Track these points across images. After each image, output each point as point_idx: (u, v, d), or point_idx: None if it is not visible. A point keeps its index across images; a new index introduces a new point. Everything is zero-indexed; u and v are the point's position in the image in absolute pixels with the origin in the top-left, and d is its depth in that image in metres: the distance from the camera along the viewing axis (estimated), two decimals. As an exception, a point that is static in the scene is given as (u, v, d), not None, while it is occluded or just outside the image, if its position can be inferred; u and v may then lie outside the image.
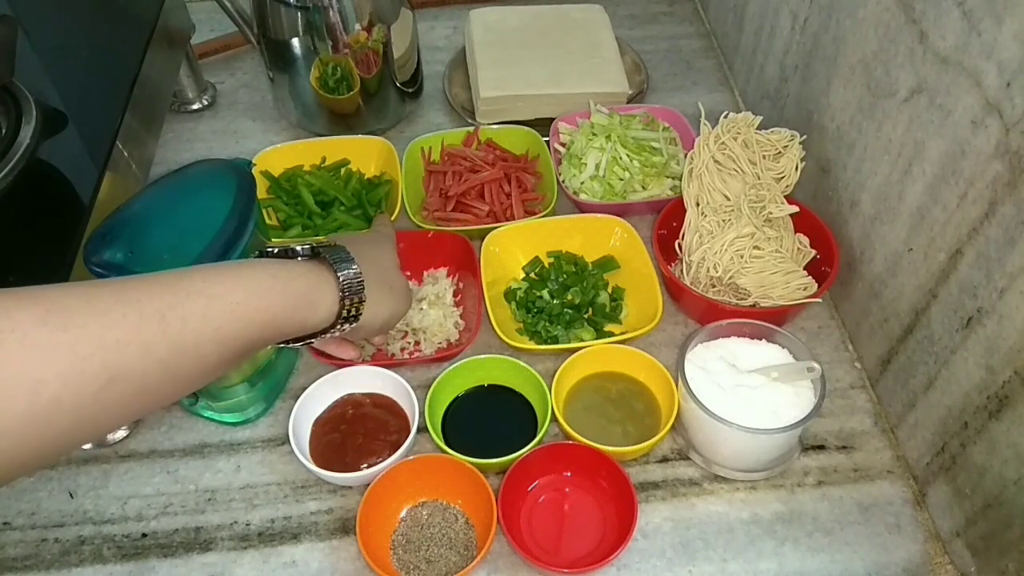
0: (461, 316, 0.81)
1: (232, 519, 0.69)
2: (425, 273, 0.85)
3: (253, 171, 0.66)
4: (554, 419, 0.71)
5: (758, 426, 0.66)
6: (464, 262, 0.83)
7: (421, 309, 0.80)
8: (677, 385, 0.71)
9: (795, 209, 0.81)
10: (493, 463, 0.68)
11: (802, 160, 0.83)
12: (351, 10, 0.87)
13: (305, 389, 0.72)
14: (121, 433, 0.74)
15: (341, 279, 0.57)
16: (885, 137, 0.71)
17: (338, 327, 0.58)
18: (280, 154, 0.92)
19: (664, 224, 0.83)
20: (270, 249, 0.60)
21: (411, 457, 0.68)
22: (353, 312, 0.58)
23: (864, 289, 0.77)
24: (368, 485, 0.66)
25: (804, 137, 0.83)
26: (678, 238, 0.83)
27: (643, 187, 0.90)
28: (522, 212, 0.89)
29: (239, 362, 0.51)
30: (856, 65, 0.75)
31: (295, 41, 0.89)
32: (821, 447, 0.74)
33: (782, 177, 0.83)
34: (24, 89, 0.70)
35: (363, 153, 0.94)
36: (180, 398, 0.49)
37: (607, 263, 0.85)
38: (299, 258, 0.58)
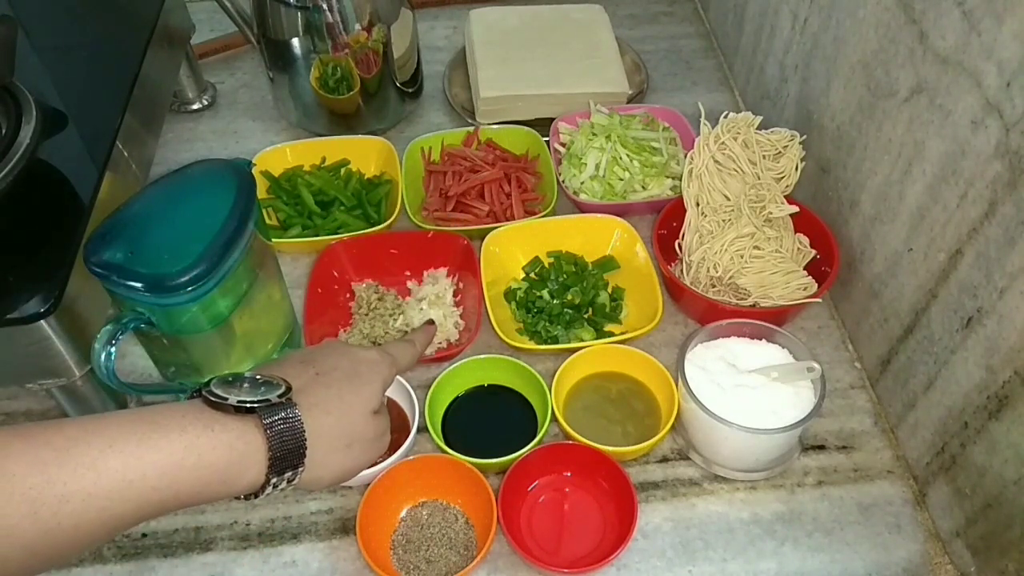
0: (461, 316, 0.81)
1: (232, 519, 0.69)
2: (425, 273, 0.85)
3: (253, 171, 0.66)
4: (554, 419, 0.71)
5: (758, 426, 0.66)
6: (464, 262, 0.83)
7: (421, 309, 0.80)
8: (677, 385, 0.71)
9: (795, 209, 0.81)
10: (493, 463, 0.68)
11: (802, 160, 0.83)
12: (351, 10, 0.87)
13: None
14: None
15: (272, 446, 0.48)
16: (885, 137, 0.71)
17: (262, 496, 0.50)
18: (280, 154, 0.92)
19: (664, 224, 0.83)
20: (208, 392, 0.49)
21: (411, 457, 0.68)
22: (283, 483, 0.50)
23: (864, 289, 0.77)
24: (368, 485, 0.66)
25: (804, 137, 0.83)
26: (678, 238, 0.83)
27: (643, 187, 0.90)
28: (522, 212, 0.89)
29: (120, 533, 0.45)
30: (856, 65, 0.75)
31: (295, 41, 0.89)
32: (821, 447, 0.74)
33: (782, 177, 0.83)
34: (24, 89, 0.70)
35: (363, 153, 0.94)
36: (60, 567, 0.45)
37: (607, 263, 0.85)
38: (232, 408, 0.48)
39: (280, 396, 0.49)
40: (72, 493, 0.41)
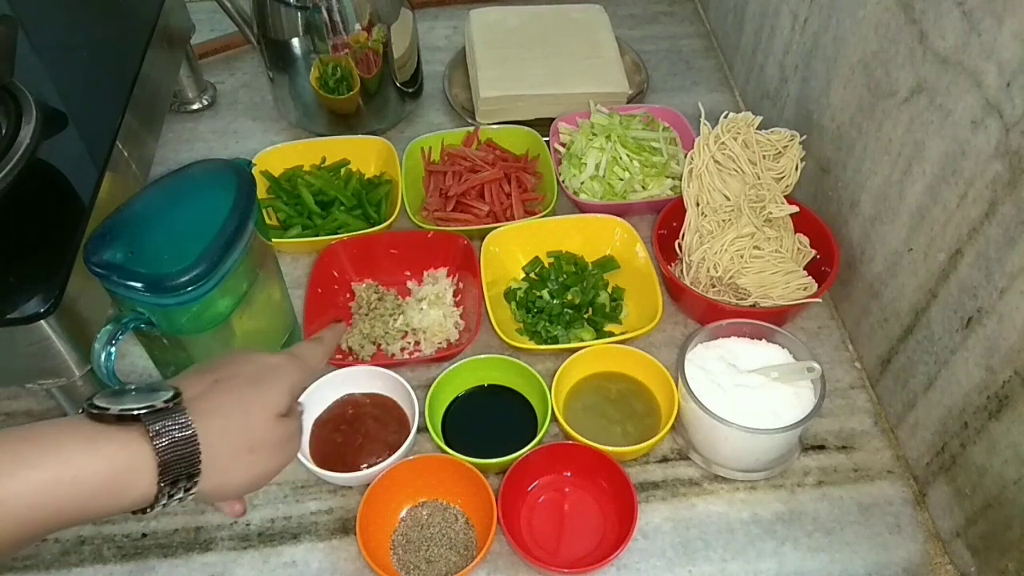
0: (461, 316, 0.81)
1: (232, 519, 0.69)
2: (425, 273, 0.85)
3: (253, 171, 0.66)
4: (554, 419, 0.71)
5: (758, 426, 0.66)
6: (464, 262, 0.83)
7: (421, 309, 0.80)
8: (677, 385, 0.71)
9: (795, 209, 0.81)
10: (493, 463, 0.68)
11: (802, 160, 0.83)
12: (351, 10, 0.87)
13: (305, 389, 0.72)
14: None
15: (159, 454, 0.46)
16: (885, 137, 0.71)
17: (160, 506, 0.47)
18: (280, 154, 0.92)
19: (664, 224, 0.83)
20: (90, 405, 0.47)
21: (411, 457, 0.68)
22: (180, 493, 0.48)
23: (864, 289, 0.77)
24: (368, 485, 0.66)
25: (804, 137, 0.83)
26: (678, 238, 0.83)
27: (643, 187, 0.90)
28: (522, 212, 0.89)
29: (11, 554, 0.44)
30: (856, 65, 0.75)
31: (295, 41, 0.89)
32: (821, 447, 0.74)
33: (782, 177, 0.83)
34: (24, 89, 0.70)
35: (363, 153, 0.94)
36: None
37: (607, 263, 0.85)
38: (114, 418, 0.46)
39: (167, 401, 0.48)
40: None
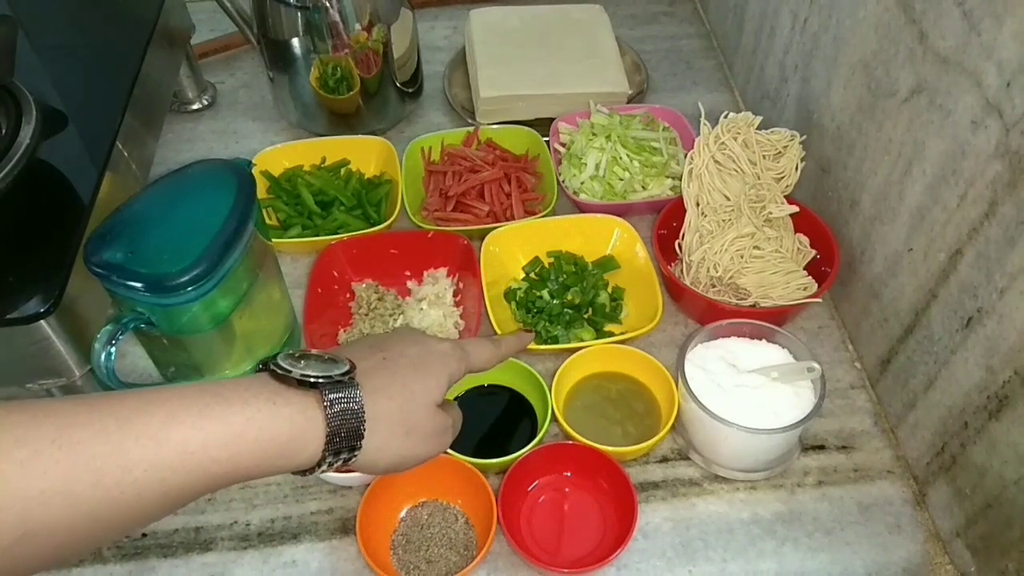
0: (461, 316, 0.81)
1: (232, 519, 0.69)
2: (425, 273, 0.85)
3: (253, 171, 0.66)
4: (554, 419, 0.71)
5: (758, 426, 0.66)
6: (464, 262, 0.83)
7: (421, 309, 0.80)
8: (677, 385, 0.71)
9: (795, 209, 0.81)
10: (493, 463, 0.68)
11: (802, 160, 0.83)
12: (351, 10, 0.87)
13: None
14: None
15: (329, 423, 0.47)
16: (885, 137, 0.71)
17: (317, 472, 0.49)
18: (280, 154, 0.92)
19: (664, 224, 0.83)
20: (274, 364, 0.49)
21: (411, 457, 0.68)
22: (339, 462, 0.49)
23: (864, 289, 0.77)
24: (368, 485, 0.66)
25: (804, 137, 0.83)
26: (678, 238, 0.83)
27: (643, 187, 0.90)
28: (522, 212, 0.89)
29: (189, 502, 0.45)
30: (856, 65, 0.75)
31: (295, 41, 0.89)
32: (821, 447, 0.74)
33: (782, 177, 0.83)
34: (24, 89, 0.70)
35: (363, 153, 0.94)
36: (108, 544, 0.45)
37: (607, 263, 0.85)
38: (296, 381, 0.48)
39: (343, 375, 0.49)
40: (134, 463, 0.40)
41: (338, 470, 0.50)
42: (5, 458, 0.37)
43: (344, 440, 0.48)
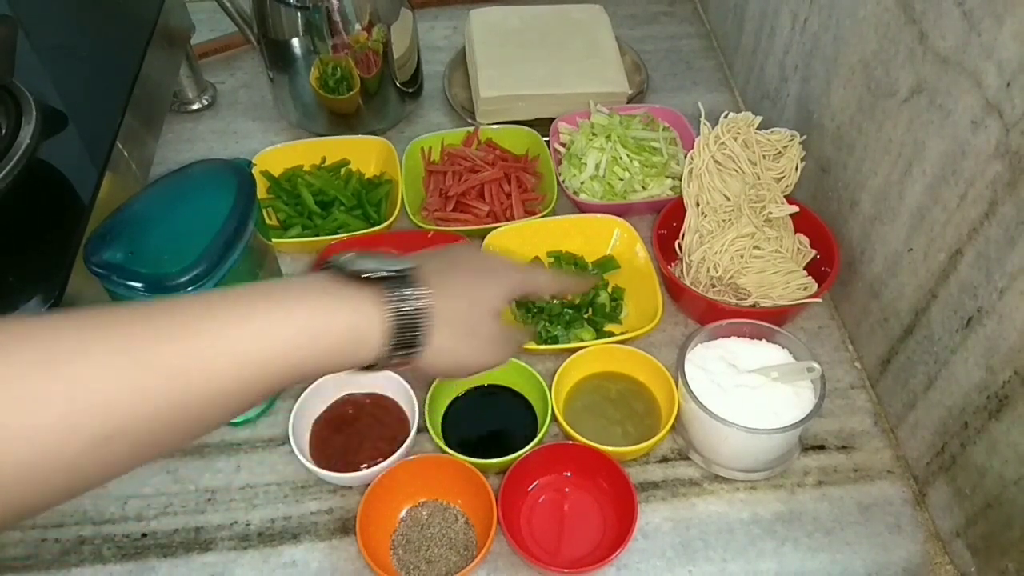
0: (461, 316, 0.81)
1: (232, 519, 0.69)
2: (425, 273, 0.85)
3: (253, 171, 0.66)
4: (554, 419, 0.71)
5: (758, 426, 0.66)
6: (464, 262, 0.83)
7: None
8: (677, 385, 0.71)
9: (795, 209, 0.81)
10: (493, 463, 0.68)
11: (802, 160, 0.83)
12: (351, 10, 0.87)
13: (305, 389, 0.72)
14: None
15: (392, 320, 0.47)
16: (885, 137, 0.71)
17: (376, 369, 0.49)
18: (280, 154, 0.92)
19: (664, 224, 0.83)
20: (337, 263, 0.49)
21: (411, 457, 0.68)
22: (399, 357, 0.49)
23: (864, 289, 0.77)
24: (368, 485, 0.66)
25: (804, 137, 0.83)
26: (678, 238, 0.83)
27: (643, 187, 0.90)
28: (522, 212, 0.89)
29: (253, 406, 0.46)
30: (856, 65, 0.75)
31: (295, 41, 0.89)
32: (821, 447, 0.74)
33: (782, 177, 0.83)
34: (24, 89, 0.70)
35: (363, 153, 0.94)
36: (186, 446, 0.45)
37: (607, 263, 0.85)
38: (355, 280, 0.48)
39: (406, 270, 0.49)
40: (204, 366, 0.41)
41: (398, 368, 0.50)
42: (89, 361, 0.38)
43: (408, 338, 0.48)
